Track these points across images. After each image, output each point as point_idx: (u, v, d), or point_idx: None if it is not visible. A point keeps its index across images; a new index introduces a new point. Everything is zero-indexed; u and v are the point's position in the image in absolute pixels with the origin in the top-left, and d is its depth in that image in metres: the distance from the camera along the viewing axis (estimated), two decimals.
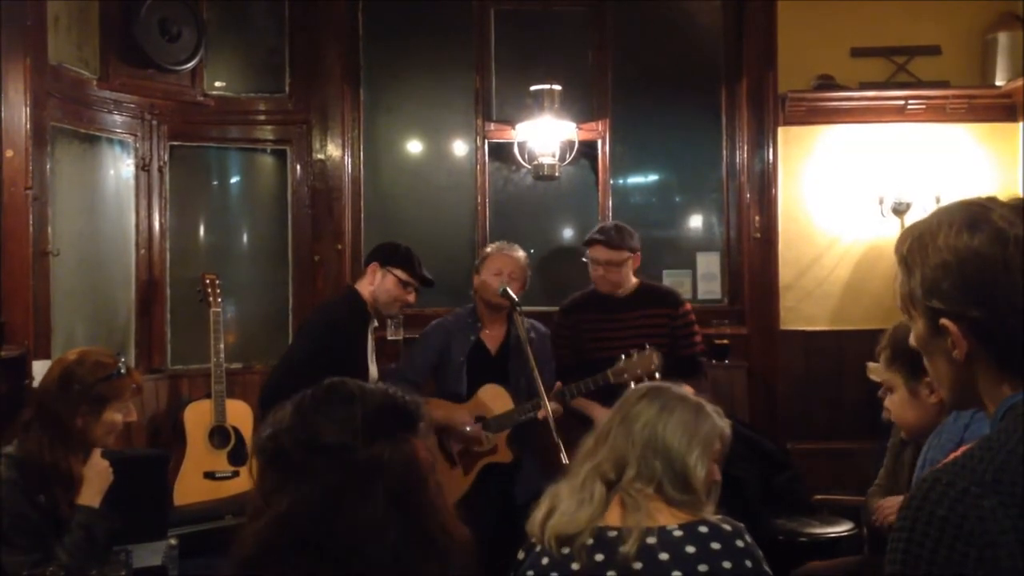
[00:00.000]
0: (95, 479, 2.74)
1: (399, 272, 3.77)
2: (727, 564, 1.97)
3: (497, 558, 2.24)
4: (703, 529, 2.00)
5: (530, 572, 2.06)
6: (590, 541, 2.01)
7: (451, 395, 4.06)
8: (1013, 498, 1.10)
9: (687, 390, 2.21)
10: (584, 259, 4.23)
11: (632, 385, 3.65)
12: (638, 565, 1.96)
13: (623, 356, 3.83)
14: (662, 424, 2.07)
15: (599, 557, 2.00)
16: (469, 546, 1.44)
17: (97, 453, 2.78)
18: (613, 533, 2.01)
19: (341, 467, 1.38)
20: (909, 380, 2.30)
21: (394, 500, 1.37)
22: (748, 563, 1.99)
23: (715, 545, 1.98)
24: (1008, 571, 1.08)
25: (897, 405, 2.36)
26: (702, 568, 1.96)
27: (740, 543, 2.00)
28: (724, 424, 2.16)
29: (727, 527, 2.02)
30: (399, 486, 1.38)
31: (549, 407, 3.64)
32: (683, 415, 2.09)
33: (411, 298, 3.84)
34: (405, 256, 3.82)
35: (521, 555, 2.12)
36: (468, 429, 3.94)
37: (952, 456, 1.20)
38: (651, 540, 1.98)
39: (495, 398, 3.98)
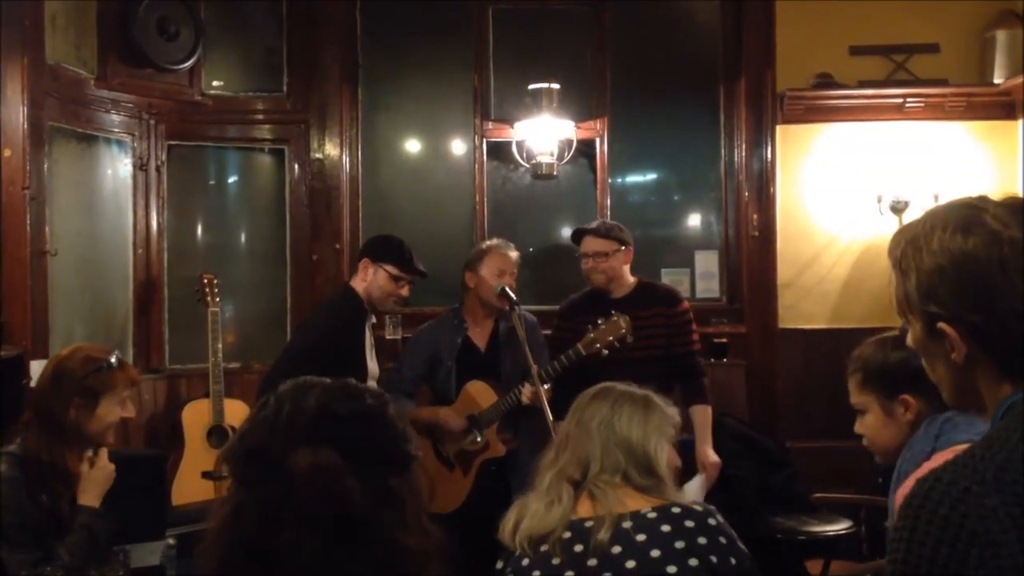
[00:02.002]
0: (100, 480, 2.72)
1: (390, 267, 3.70)
2: (702, 540, 2.02)
3: (495, 557, 2.23)
4: (676, 510, 2.06)
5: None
6: (567, 534, 2.05)
7: (442, 401, 4.04)
8: (1015, 497, 1.10)
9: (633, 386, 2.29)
10: (576, 255, 4.14)
11: (604, 353, 3.70)
12: (617, 549, 2.00)
13: (589, 327, 3.78)
14: (616, 418, 2.17)
15: (578, 548, 2.03)
16: (438, 554, 1.31)
17: (104, 454, 2.76)
18: (589, 523, 2.05)
19: (263, 479, 1.26)
20: (884, 400, 2.26)
21: (321, 514, 1.23)
22: (722, 539, 2.04)
23: (689, 523, 2.03)
24: (1010, 570, 1.08)
25: (870, 427, 2.29)
26: (679, 545, 2.00)
27: (712, 521, 2.06)
28: (673, 411, 2.27)
29: (698, 507, 2.09)
30: (323, 496, 1.24)
31: (540, 388, 3.58)
32: (633, 408, 2.19)
33: (404, 292, 3.77)
34: (396, 250, 3.75)
35: (500, 564, 2.13)
36: (456, 425, 3.90)
37: (952, 455, 1.20)
38: (626, 524, 2.03)
39: (481, 393, 3.93)
